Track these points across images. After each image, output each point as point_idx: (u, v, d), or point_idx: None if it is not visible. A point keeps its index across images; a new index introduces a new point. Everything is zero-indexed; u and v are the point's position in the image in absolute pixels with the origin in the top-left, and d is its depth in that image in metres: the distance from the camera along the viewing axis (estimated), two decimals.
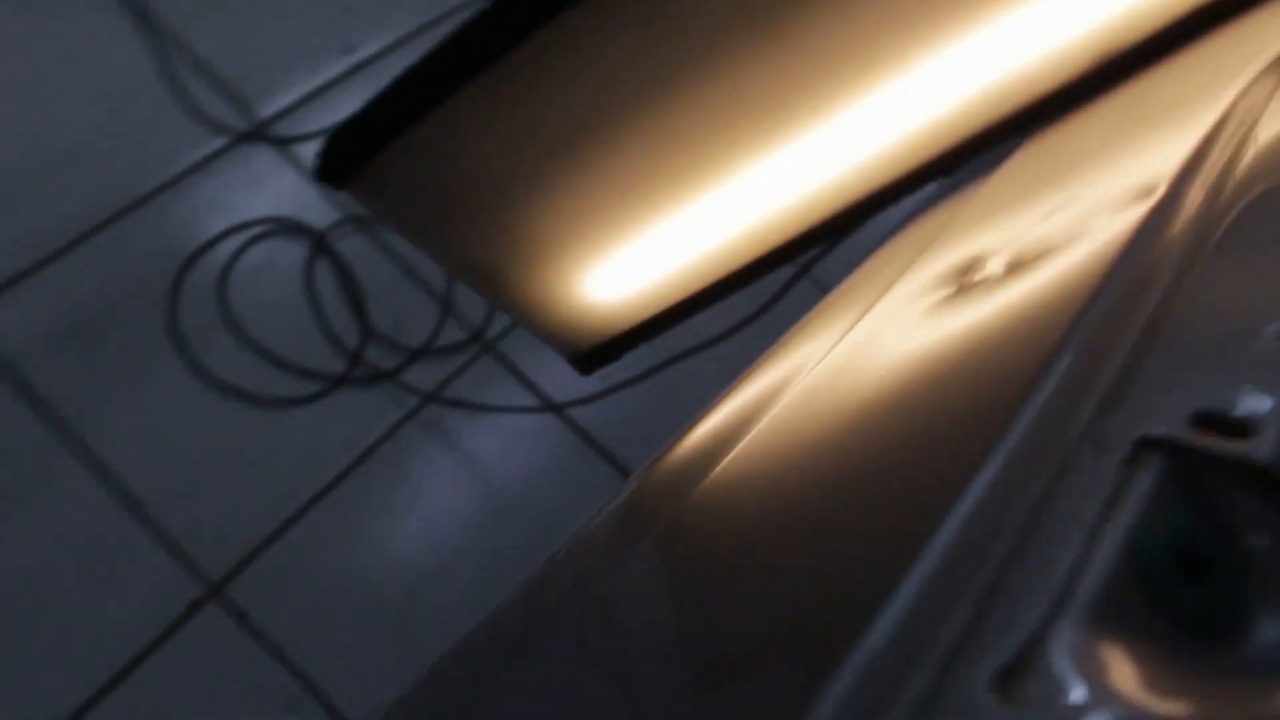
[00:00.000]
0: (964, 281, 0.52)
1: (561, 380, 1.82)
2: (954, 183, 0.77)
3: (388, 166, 0.74)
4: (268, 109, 1.94)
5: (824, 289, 0.79)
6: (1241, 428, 0.29)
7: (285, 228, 1.87)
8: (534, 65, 0.66)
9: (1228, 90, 0.56)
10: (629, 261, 0.78)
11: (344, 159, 0.72)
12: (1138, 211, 0.45)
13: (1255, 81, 0.53)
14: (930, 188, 0.75)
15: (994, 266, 0.51)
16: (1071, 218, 0.50)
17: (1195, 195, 0.46)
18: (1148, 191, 0.46)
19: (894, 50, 0.66)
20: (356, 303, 1.85)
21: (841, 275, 0.78)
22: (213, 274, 1.80)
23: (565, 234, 0.77)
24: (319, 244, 1.87)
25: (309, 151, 1.92)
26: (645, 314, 0.82)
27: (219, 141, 1.88)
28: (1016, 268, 0.50)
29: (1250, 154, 0.48)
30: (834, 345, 0.58)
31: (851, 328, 0.59)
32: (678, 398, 1.67)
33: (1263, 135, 0.49)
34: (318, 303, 1.82)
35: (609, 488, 1.72)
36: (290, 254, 1.84)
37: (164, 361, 1.70)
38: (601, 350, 0.85)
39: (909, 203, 0.76)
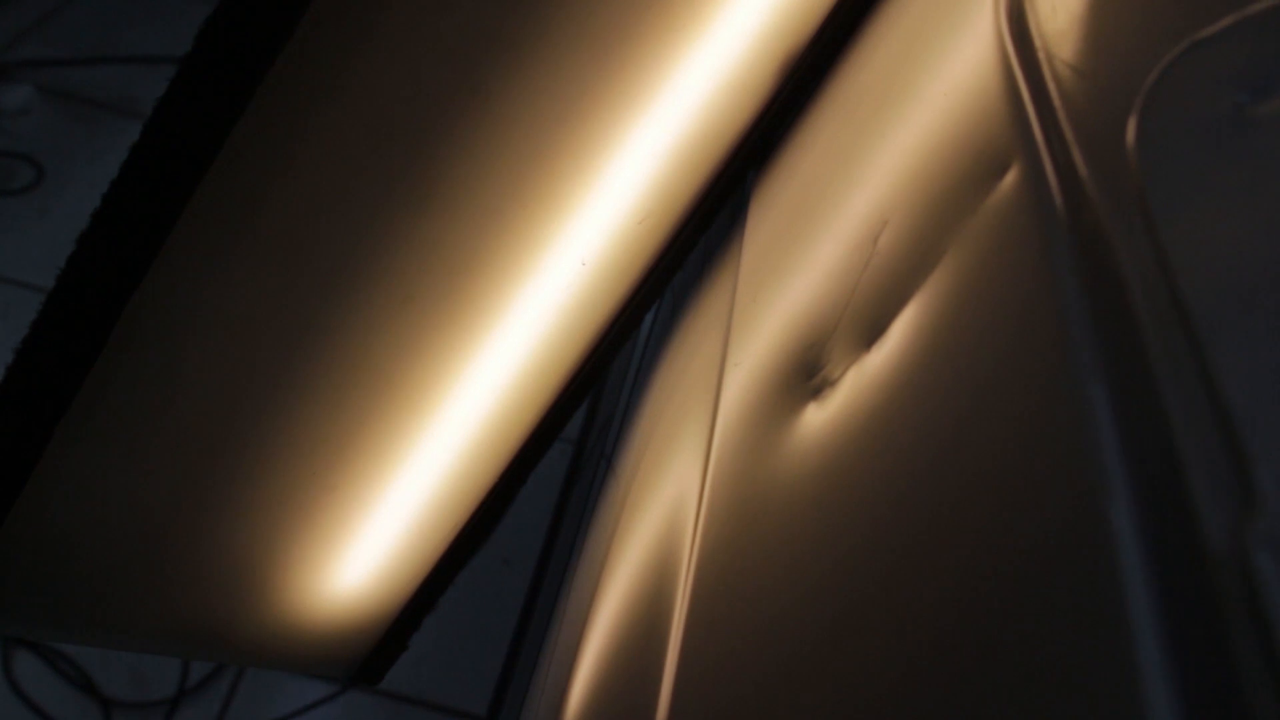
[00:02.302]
0: (819, 382, 0.39)
1: None
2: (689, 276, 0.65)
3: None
4: None
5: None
6: None
7: None
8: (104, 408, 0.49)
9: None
10: (359, 548, 0.61)
11: None
12: (1009, 205, 0.34)
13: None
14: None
15: (839, 354, 0.39)
16: (912, 237, 0.38)
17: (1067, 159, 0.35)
18: (991, 171, 0.35)
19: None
20: (84, 683, 1.55)
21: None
22: None
23: (271, 546, 0.59)
24: (4, 645, 1.56)
25: None
26: (408, 589, 0.65)
27: None
28: (873, 339, 0.37)
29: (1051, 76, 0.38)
30: (699, 497, 0.44)
31: (705, 472, 0.46)
32: (460, 616, 1.49)
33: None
34: (37, 704, 1.51)
35: None
36: None
37: None
38: (380, 651, 0.67)
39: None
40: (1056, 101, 0.37)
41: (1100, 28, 0.39)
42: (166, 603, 0.59)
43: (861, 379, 0.37)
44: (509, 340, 0.58)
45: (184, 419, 0.53)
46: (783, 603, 0.36)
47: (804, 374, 0.41)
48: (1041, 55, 0.40)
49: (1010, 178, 0.35)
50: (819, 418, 0.39)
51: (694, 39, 0.54)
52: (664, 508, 0.51)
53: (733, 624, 0.39)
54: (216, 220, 0.47)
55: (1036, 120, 0.36)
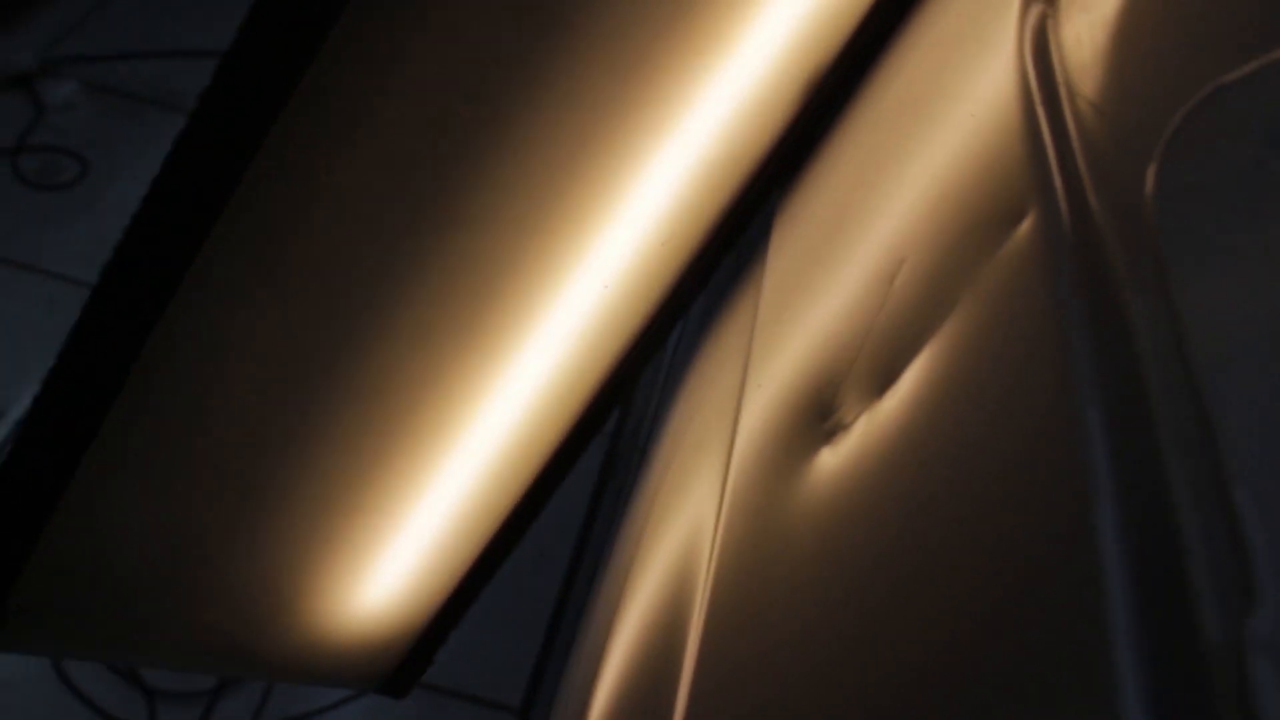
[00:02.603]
0: (833, 425, 0.39)
1: None
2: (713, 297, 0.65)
3: (32, 593, 0.55)
4: None
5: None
6: None
7: None
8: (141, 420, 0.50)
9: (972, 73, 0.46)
10: (384, 566, 0.61)
11: None
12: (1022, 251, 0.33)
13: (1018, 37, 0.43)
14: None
15: (853, 398, 0.39)
16: (927, 282, 0.38)
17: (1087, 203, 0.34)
18: (1006, 218, 0.34)
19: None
20: (129, 673, 1.59)
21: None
22: None
23: (297, 567, 0.60)
24: None
25: None
26: (433, 606, 0.65)
27: None
28: (885, 385, 0.37)
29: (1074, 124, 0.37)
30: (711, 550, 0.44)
31: (722, 502, 0.45)
32: (496, 607, 1.50)
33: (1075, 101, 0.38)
34: (85, 693, 1.54)
35: None
36: (27, 663, 1.56)
37: None
38: (407, 664, 0.68)
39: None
40: (1076, 143, 0.36)
41: (1124, 63, 0.38)
42: (196, 622, 0.59)
43: (872, 427, 0.36)
44: (532, 364, 0.58)
45: (215, 441, 0.53)
46: (789, 638, 0.36)
47: (819, 415, 0.40)
48: (1063, 90, 0.39)
49: (1025, 226, 0.34)
50: (831, 462, 0.38)
51: (717, 60, 0.53)
52: (683, 532, 0.51)
53: (742, 654, 0.39)
54: (242, 246, 0.47)
55: (1055, 162, 0.36)
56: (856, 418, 0.37)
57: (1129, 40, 0.39)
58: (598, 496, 1.27)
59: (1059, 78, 0.40)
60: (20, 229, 1.97)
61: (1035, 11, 0.44)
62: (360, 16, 0.42)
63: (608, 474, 1.28)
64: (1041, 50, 0.42)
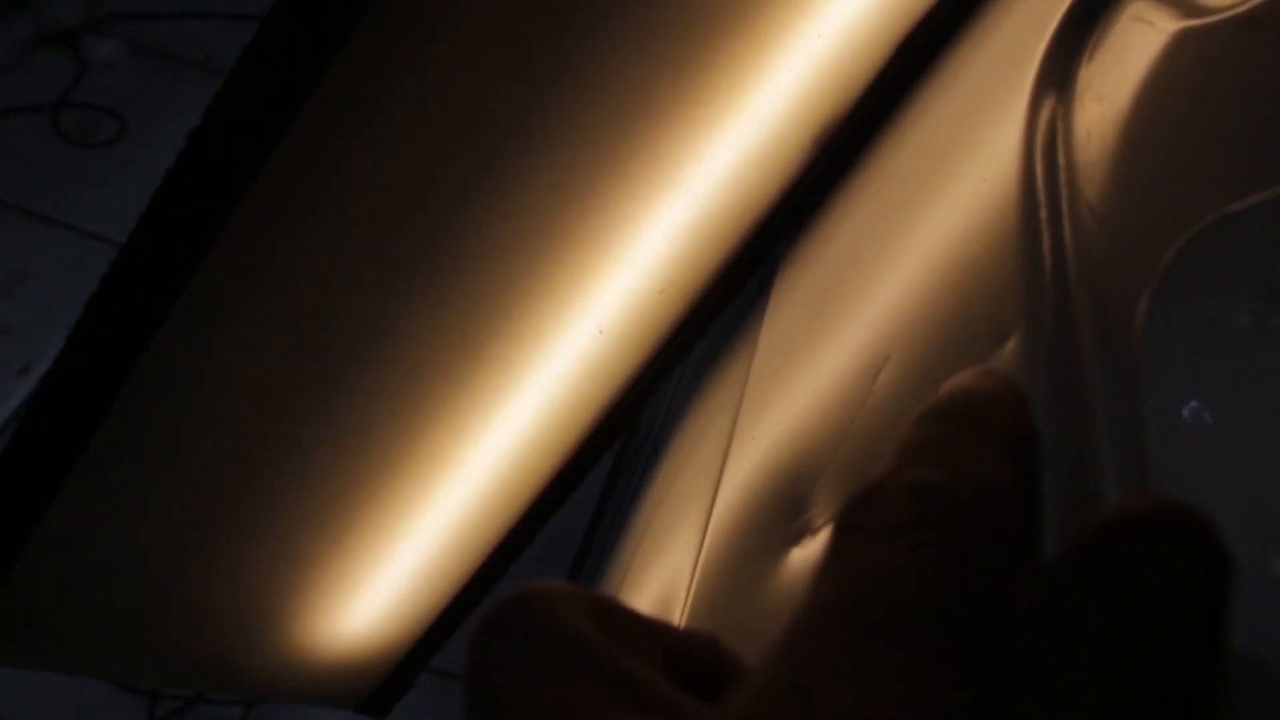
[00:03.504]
0: (801, 526, 0.38)
1: None
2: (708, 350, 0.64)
3: (10, 604, 0.55)
4: None
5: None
6: None
7: None
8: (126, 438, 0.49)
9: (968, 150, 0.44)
10: (369, 589, 0.61)
11: None
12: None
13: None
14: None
15: (823, 502, 0.38)
16: (906, 388, 0.37)
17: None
18: (990, 336, 0.33)
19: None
20: None
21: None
22: None
23: (279, 588, 0.60)
24: None
25: None
26: (416, 632, 0.65)
27: None
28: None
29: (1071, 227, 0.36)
30: None
31: (693, 575, 0.45)
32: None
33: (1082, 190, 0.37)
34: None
35: None
36: None
37: None
38: (388, 685, 0.68)
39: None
40: (1070, 256, 0.35)
41: (1131, 168, 0.36)
42: (175, 639, 0.60)
43: None
44: (523, 403, 0.57)
45: (205, 452, 0.53)
46: None
47: (791, 511, 0.39)
48: (1065, 191, 0.37)
49: (1009, 349, 0.33)
50: (797, 565, 0.37)
51: (723, 111, 0.52)
52: (657, 592, 0.51)
53: None
54: (227, 278, 0.47)
55: (1050, 280, 0.34)
56: (824, 524, 0.36)
57: (1138, 143, 0.37)
58: (594, 525, 1.26)
59: (1063, 177, 0.38)
60: (56, 185, 1.98)
61: (1049, 96, 0.42)
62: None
63: (606, 500, 1.28)
64: (1050, 142, 0.40)
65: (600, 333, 0.56)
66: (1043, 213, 0.37)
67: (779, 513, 0.40)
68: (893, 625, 0.18)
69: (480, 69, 0.46)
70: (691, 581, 0.44)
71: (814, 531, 0.37)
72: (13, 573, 0.53)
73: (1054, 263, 0.35)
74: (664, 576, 0.49)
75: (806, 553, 0.37)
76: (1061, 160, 0.39)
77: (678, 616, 0.44)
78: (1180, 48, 0.40)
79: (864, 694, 0.17)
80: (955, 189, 0.43)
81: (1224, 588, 0.18)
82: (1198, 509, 0.18)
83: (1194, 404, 0.28)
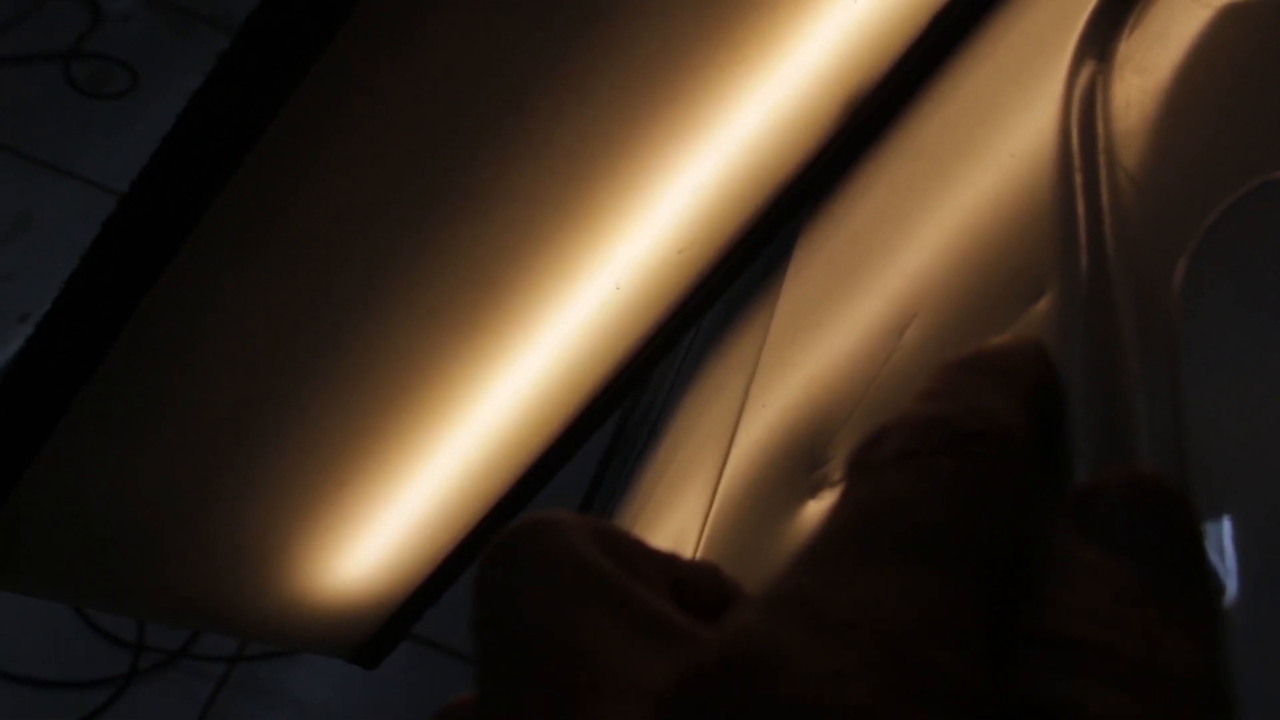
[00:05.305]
0: (819, 478, 0.38)
1: None
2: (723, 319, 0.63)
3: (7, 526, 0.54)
4: None
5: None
6: None
7: None
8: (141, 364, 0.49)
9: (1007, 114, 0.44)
10: (369, 537, 0.61)
11: None
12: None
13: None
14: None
15: (842, 455, 0.37)
16: (933, 345, 0.36)
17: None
18: (1024, 293, 0.33)
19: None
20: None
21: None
22: None
23: (278, 531, 0.59)
24: None
25: None
26: (413, 583, 0.65)
27: None
28: None
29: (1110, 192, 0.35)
30: None
31: (703, 529, 0.45)
32: None
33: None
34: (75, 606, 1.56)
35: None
36: None
37: None
38: (381, 637, 0.68)
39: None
40: (1108, 220, 0.34)
41: (1171, 138, 0.36)
42: (170, 575, 0.59)
43: None
44: (535, 354, 0.57)
45: (208, 389, 0.53)
46: None
47: (807, 465, 0.39)
48: (1103, 159, 0.37)
49: (1041, 307, 0.33)
50: (813, 516, 0.37)
51: (753, 72, 0.51)
52: (665, 542, 0.50)
53: None
54: (238, 216, 0.46)
55: (1084, 240, 0.34)
56: (842, 478, 0.36)
57: (1179, 113, 0.37)
58: (598, 482, 1.26)
59: (1101, 144, 0.38)
60: (66, 134, 1.97)
61: (1088, 66, 0.41)
62: None
63: (609, 459, 1.28)
64: (1088, 110, 0.40)
65: (617, 289, 0.55)
66: (1078, 177, 0.37)
67: (796, 466, 0.40)
68: (906, 543, 0.18)
69: (510, 8, 0.45)
70: (703, 531, 0.43)
71: (831, 485, 0.37)
72: (13, 494, 0.52)
73: (1089, 224, 0.34)
74: (675, 525, 0.49)
75: (822, 505, 0.37)
76: (1100, 128, 0.38)
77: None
78: (1224, 24, 0.40)
79: (874, 607, 0.17)
80: (989, 155, 0.43)
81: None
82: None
83: (1230, 367, 0.28)
